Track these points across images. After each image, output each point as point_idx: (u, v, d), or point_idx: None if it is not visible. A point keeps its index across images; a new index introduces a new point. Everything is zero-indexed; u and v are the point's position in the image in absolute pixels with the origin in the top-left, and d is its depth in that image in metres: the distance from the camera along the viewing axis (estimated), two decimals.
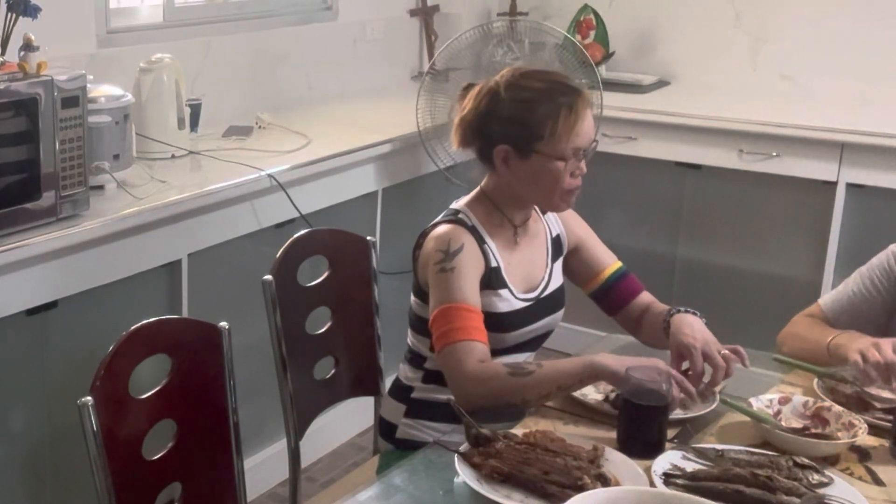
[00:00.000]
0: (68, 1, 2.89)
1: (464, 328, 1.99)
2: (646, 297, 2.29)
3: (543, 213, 2.26)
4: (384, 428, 2.27)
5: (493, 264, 2.12)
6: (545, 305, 2.20)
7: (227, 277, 2.94)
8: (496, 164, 2.12)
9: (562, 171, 2.06)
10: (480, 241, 2.11)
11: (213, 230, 2.85)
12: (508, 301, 2.13)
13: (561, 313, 2.25)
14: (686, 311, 2.11)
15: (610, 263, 2.30)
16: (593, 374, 1.92)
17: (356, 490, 1.75)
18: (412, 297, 2.19)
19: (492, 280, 2.11)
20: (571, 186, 2.10)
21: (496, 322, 2.10)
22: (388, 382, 2.53)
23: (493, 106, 2.10)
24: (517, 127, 2.07)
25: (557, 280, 2.24)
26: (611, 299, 2.29)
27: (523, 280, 2.17)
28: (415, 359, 2.23)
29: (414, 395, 2.22)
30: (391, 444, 2.24)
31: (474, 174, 2.22)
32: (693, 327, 2.05)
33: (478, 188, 2.21)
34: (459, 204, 2.19)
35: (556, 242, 2.26)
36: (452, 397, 1.94)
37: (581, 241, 2.30)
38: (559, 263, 2.27)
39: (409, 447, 2.12)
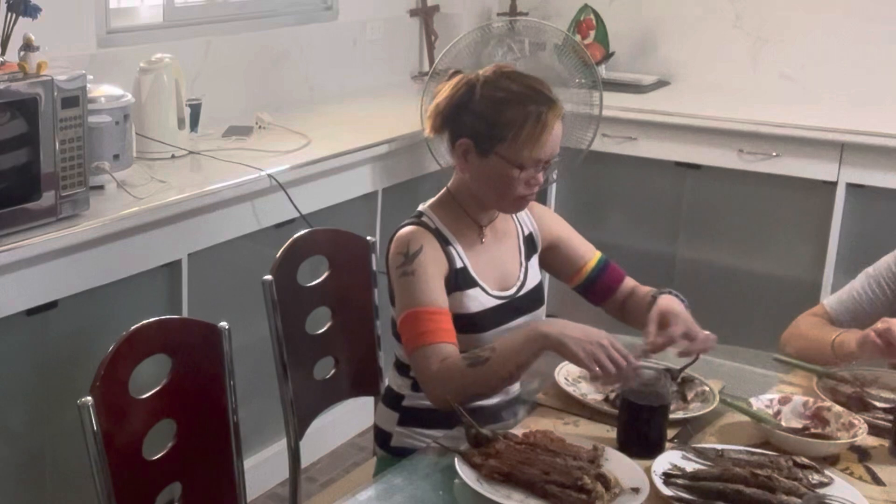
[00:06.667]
0: (68, 1, 2.89)
1: (429, 331, 1.97)
2: (629, 282, 2.30)
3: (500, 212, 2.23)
4: (379, 436, 2.23)
5: (459, 265, 2.09)
6: (522, 303, 2.17)
7: (227, 277, 2.94)
8: (456, 156, 2.10)
9: (516, 179, 2.04)
10: (444, 243, 2.09)
11: (213, 230, 2.85)
12: (478, 300, 2.10)
13: (542, 311, 2.22)
14: (672, 294, 2.12)
15: (591, 257, 2.28)
16: (542, 345, 1.90)
17: (356, 490, 1.75)
18: (391, 306, 2.14)
19: (459, 281, 2.08)
20: (523, 194, 2.07)
21: (468, 322, 2.07)
22: (387, 383, 2.53)
23: (467, 98, 2.07)
24: (483, 124, 2.05)
25: (535, 278, 2.22)
26: (596, 290, 2.28)
27: (496, 279, 2.15)
28: (401, 367, 2.19)
29: (405, 403, 2.17)
30: (387, 453, 2.20)
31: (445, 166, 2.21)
32: (678, 309, 2.07)
33: (445, 188, 2.19)
34: (425, 206, 2.17)
35: (529, 240, 2.24)
36: (462, 419, 1.86)
37: (558, 238, 2.28)
38: (535, 261, 2.24)
39: (404, 455, 2.07)
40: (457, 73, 2.16)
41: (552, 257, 2.29)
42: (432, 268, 2.04)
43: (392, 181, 3.52)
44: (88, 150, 2.47)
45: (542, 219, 2.28)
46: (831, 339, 2.16)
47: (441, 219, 2.13)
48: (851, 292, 2.31)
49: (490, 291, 2.12)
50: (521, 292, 2.18)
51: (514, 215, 2.22)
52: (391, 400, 2.21)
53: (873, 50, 3.97)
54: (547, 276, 2.38)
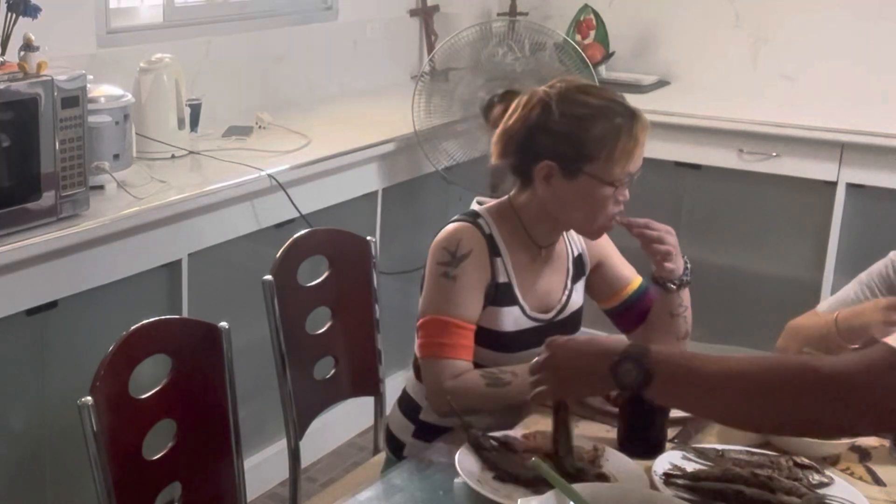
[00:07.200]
0: (68, 1, 2.89)
1: (451, 345, 1.94)
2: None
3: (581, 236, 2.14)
4: (392, 442, 2.19)
5: (503, 279, 2.02)
6: (558, 328, 2.08)
7: (227, 277, 2.94)
8: (536, 181, 1.98)
9: (608, 198, 1.95)
10: (494, 253, 2.01)
11: (213, 230, 2.85)
12: (514, 319, 2.03)
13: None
14: None
15: (632, 279, 2.19)
16: None
17: (356, 490, 1.75)
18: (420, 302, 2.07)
19: (499, 295, 2.01)
20: (612, 213, 1.98)
21: (498, 340, 2.02)
22: (388, 383, 2.53)
23: (544, 119, 1.95)
24: (568, 144, 1.93)
25: (577, 302, 2.14)
26: (630, 317, 2.17)
27: (538, 300, 2.07)
28: (419, 372, 2.10)
29: (422, 416, 2.12)
30: (398, 459, 2.15)
31: (505, 186, 2.10)
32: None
33: (505, 198, 2.08)
34: (482, 208, 2.08)
35: (578, 262, 2.15)
36: (458, 420, 1.86)
37: (603, 257, 2.19)
38: (581, 284, 2.16)
39: None
40: (509, 92, 2.07)
41: (593, 277, 2.19)
42: (474, 278, 1.98)
43: (392, 181, 3.52)
44: (88, 150, 2.47)
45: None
46: (833, 317, 2.13)
47: (498, 227, 2.04)
48: (845, 298, 2.29)
49: (528, 312, 2.05)
50: (560, 316, 2.10)
51: (565, 235, 2.13)
52: (408, 408, 2.16)
53: (873, 50, 3.97)
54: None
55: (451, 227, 2.04)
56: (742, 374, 1.48)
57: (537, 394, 1.64)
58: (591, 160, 1.93)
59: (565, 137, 1.94)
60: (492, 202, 2.11)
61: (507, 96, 2.07)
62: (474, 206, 2.11)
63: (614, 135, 1.93)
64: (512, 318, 2.03)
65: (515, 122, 2.00)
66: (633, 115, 1.97)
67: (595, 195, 1.96)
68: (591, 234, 2.07)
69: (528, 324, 2.05)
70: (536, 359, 1.65)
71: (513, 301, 2.04)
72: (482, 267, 2.00)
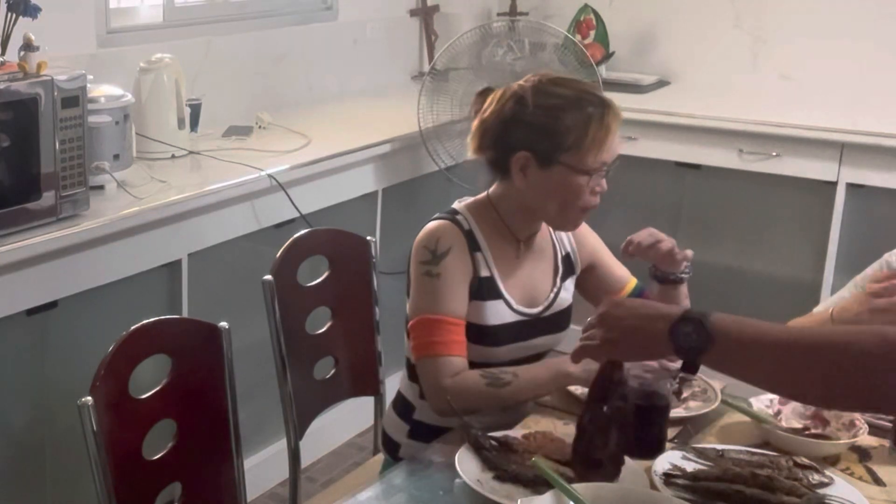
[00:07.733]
0: (68, 1, 2.89)
1: (444, 342, 1.95)
2: None
3: (554, 230, 2.16)
4: (387, 444, 2.20)
5: (485, 274, 2.03)
6: (545, 324, 2.11)
7: (227, 277, 2.94)
8: (512, 172, 2.01)
9: (583, 187, 1.97)
10: (473, 248, 2.03)
11: (213, 230, 2.85)
12: (499, 313, 2.05)
13: (562, 335, 2.15)
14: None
15: (627, 281, 2.22)
16: (566, 383, 1.95)
17: (356, 490, 1.75)
18: (408, 296, 2.09)
19: (483, 290, 2.03)
20: (589, 205, 2.00)
21: (484, 334, 2.03)
22: (387, 383, 2.53)
23: (518, 111, 1.99)
24: (541, 135, 1.97)
25: (566, 300, 2.15)
26: None
27: (524, 295, 2.09)
28: (413, 373, 2.11)
29: (416, 416, 2.14)
30: (394, 460, 2.16)
31: (481, 182, 2.12)
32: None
33: (484, 194, 2.11)
34: (461, 205, 2.10)
35: (567, 261, 2.17)
36: (457, 420, 1.87)
37: (595, 259, 2.21)
38: (570, 283, 2.18)
39: None
40: (487, 89, 2.09)
41: (587, 279, 2.21)
42: (458, 273, 1.99)
43: (392, 181, 3.52)
44: (88, 150, 2.47)
45: (584, 239, 2.20)
46: (829, 313, 2.14)
47: (477, 223, 2.06)
48: (840, 302, 2.29)
49: (514, 306, 2.06)
50: (548, 313, 2.12)
51: (552, 234, 2.15)
52: (402, 409, 2.17)
53: (873, 50, 3.97)
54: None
55: (429, 225, 2.06)
56: (815, 346, 1.40)
57: (582, 347, 1.57)
58: (565, 149, 1.96)
59: (539, 128, 1.97)
60: (471, 200, 2.13)
61: (485, 93, 2.10)
62: (455, 205, 2.13)
63: (585, 124, 1.95)
64: (496, 312, 2.04)
65: (490, 116, 2.03)
66: (604, 104, 1.99)
67: (570, 184, 1.98)
68: (563, 225, 2.09)
69: (513, 317, 2.07)
70: (591, 317, 1.58)
71: (497, 295, 2.05)
72: (464, 262, 2.02)
